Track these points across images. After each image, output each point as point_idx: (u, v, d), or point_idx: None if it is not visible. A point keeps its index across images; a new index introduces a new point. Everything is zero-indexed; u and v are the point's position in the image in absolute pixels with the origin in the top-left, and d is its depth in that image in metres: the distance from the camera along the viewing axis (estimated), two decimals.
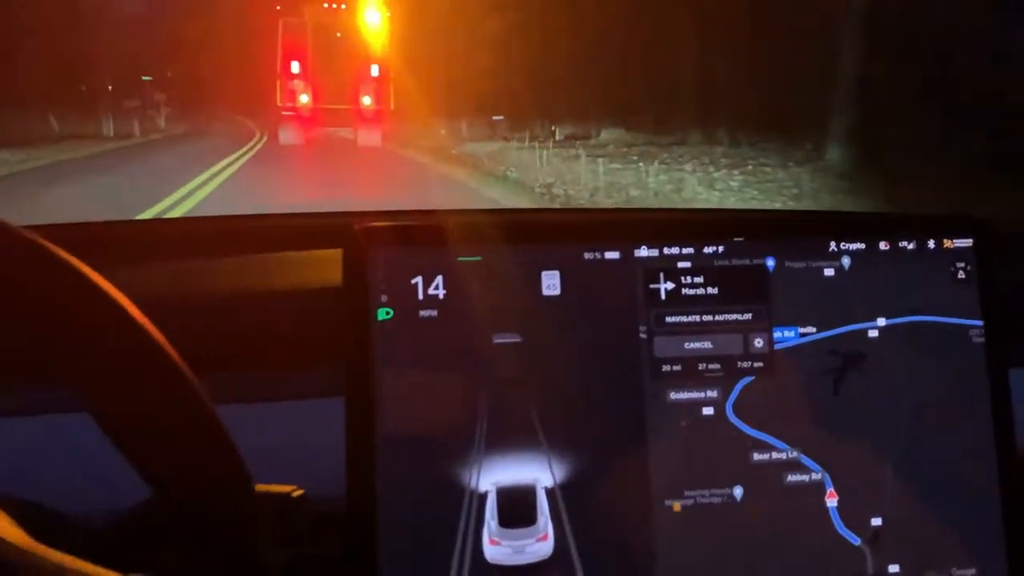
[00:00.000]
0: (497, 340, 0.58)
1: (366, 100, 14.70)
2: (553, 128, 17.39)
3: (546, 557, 0.56)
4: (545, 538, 0.56)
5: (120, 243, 0.79)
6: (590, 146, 12.41)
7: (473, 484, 0.56)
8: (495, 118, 21.87)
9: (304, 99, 14.53)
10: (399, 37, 16.23)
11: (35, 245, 0.42)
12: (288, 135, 14.46)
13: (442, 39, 20.84)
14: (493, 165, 10.06)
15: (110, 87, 18.14)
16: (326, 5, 15.58)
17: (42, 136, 13.27)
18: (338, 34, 15.71)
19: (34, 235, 0.42)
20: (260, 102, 15.83)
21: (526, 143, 14.00)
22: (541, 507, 0.57)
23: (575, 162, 9.25)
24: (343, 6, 15.66)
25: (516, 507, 0.56)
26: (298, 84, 14.66)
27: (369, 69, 15.13)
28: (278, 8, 15.51)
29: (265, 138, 16.03)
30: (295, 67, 14.83)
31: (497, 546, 0.56)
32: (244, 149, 12.74)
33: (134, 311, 0.43)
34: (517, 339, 0.58)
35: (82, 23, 16.58)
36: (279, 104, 14.71)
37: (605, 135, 15.14)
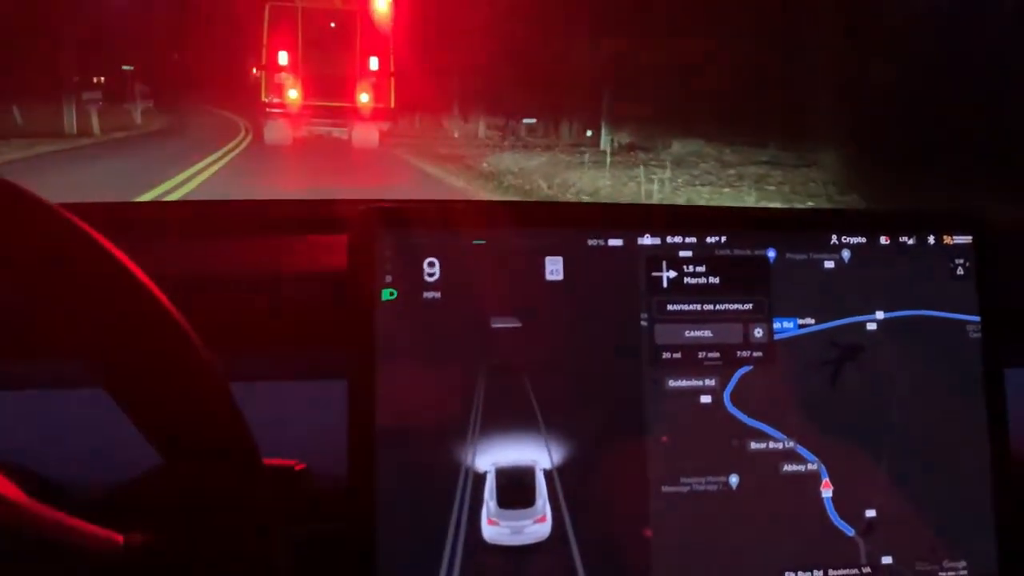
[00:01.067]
0: (496, 324, 0.69)
1: (363, 97, 14.76)
2: (612, 138, 17.28)
3: (544, 538, 0.67)
4: (543, 519, 0.67)
5: (128, 222, 0.92)
6: (659, 161, 12.30)
7: (470, 463, 0.67)
8: (526, 121, 21.91)
9: (293, 94, 14.55)
10: (403, 23, 16.21)
11: (54, 214, 0.50)
12: (274, 134, 14.44)
13: (456, 23, 21.11)
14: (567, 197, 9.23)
15: (76, 79, 18.72)
16: None
17: (3, 129, 13.97)
18: (332, 23, 15.51)
19: (53, 204, 0.50)
20: (249, 95, 15.91)
21: (575, 153, 13.84)
22: (540, 489, 0.68)
23: (691, 192, 8.96)
24: None
25: (515, 488, 0.67)
26: (286, 77, 14.65)
27: (368, 62, 15.10)
28: None
29: (249, 138, 16.33)
30: (283, 58, 14.80)
31: (495, 526, 0.66)
32: (221, 152, 12.88)
33: (145, 280, 0.52)
34: (516, 324, 0.69)
35: (48, 7, 17.25)
36: (264, 100, 14.62)
37: (678, 147, 14.91)
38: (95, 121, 17.29)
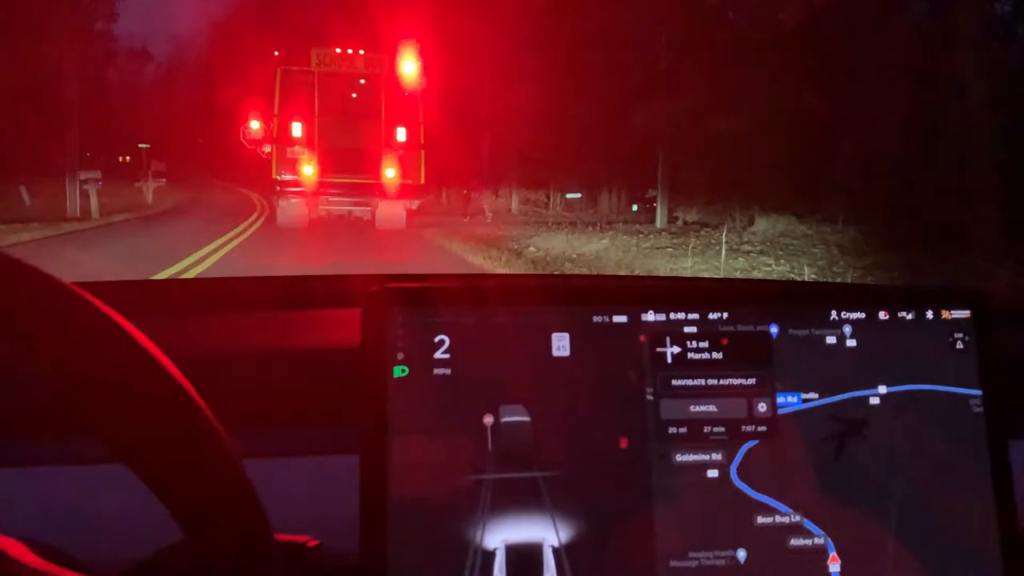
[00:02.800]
0: (506, 420, 0.81)
1: (389, 172, 14.82)
2: (677, 215, 17.13)
3: None
4: None
5: (136, 301, 1.08)
6: (742, 242, 11.94)
7: (480, 541, 0.79)
8: (569, 196, 22.13)
9: (308, 171, 14.65)
10: (433, 91, 16.39)
11: (72, 295, 0.59)
12: (288, 215, 14.62)
13: (491, 87, 21.61)
14: None
15: (88, 154, 19.88)
16: (338, 51, 15.69)
17: (9, 210, 14.81)
18: (353, 91, 15.70)
19: (70, 285, 0.59)
20: (266, 170, 15.82)
21: (638, 234, 13.38)
22: (548, 565, 0.80)
23: None
24: (361, 52, 15.78)
25: (523, 564, 0.79)
26: (300, 151, 14.85)
27: (394, 132, 15.24)
28: (276, 54, 15.88)
29: (262, 219, 16.81)
30: (296, 129, 15.01)
31: None
32: (223, 240, 13.02)
33: (163, 358, 0.62)
34: (526, 419, 0.81)
35: (59, 89, 18.54)
36: (275, 177, 14.79)
37: (764, 225, 14.50)
38: (94, 202, 18.10)
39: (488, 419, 0.81)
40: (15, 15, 17.68)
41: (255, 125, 16.17)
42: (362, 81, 15.75)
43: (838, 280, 8.69)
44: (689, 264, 9.83)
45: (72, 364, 0.59)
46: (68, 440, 0.89)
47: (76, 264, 10.06)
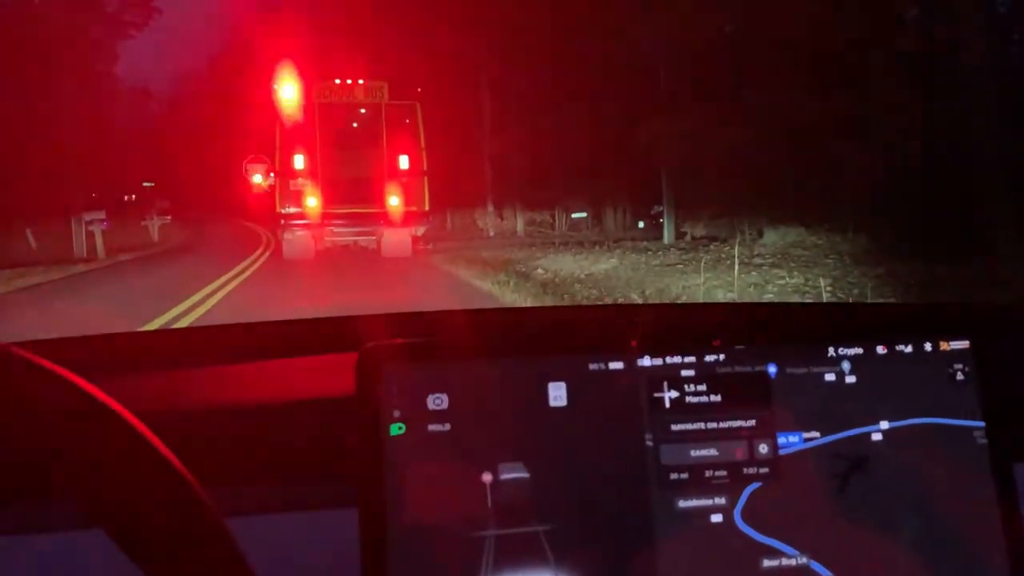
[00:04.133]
0: (505, 475, 0.81)
1: (393, 200, 14.88)
2: (685, 231, 17.07)
3: None
4: None
5: (127, 355, 1.08)
6: (753, 255, 11.81)
7: None
8: (575, 216, 22.20)
9: (312, 202, 14.71)
10: (433, 117, 16.47)
11: (36, 366, 0.59)
12: (293, 248, 14.64)
13: (493, 112, 21.73)
14: None
15: (93, 195, 20.15)
16: (337, 81, 15.84)
17: (16, 254, 14.99)
18: (354, 123, 15.78)
19: (36, 358, 0.59)
20: (269, 204, 16.07)
21: (645, 251, 13.20)
22: None
23: None
24: (360, 81, 15.90)
25: None
26: (304, 183, 14.89)
27: (397, 160, 15.29)
28: (275, 87, 15.74)
29: (267, 253, 16.86)
30: (298, 162, 15.06)
31: None
32: (233, 272, 13.16)
33: (137, 424, 0.61)
34: (525, 474, 0.81)
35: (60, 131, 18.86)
36: (279, 210, 14.83)
37: (774, 237, 14.38)
38: (99, 243, 18.24)
39: (487, 477, 0.81)
40: (18, 59, 17.93)
41: (257, 160, 16.29)
42: (362, 110, 15.87)
43: (855, 291, 8.64)
44: (701, 281, 9.77)
45: (40, 434, 0.60)
46: (49, 506, 0.89)
47: (81, 307, 10.05)
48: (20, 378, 0.59)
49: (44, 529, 0.93)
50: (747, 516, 0.82)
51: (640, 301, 8.98)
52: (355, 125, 15.82)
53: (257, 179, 16.23)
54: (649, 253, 13.84)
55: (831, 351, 0.86)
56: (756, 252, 12.83)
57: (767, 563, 0.82)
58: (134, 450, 0.62)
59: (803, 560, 0.82)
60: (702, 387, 0.85)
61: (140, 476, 0.62)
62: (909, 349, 0.86)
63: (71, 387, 0.61)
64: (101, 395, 0.61)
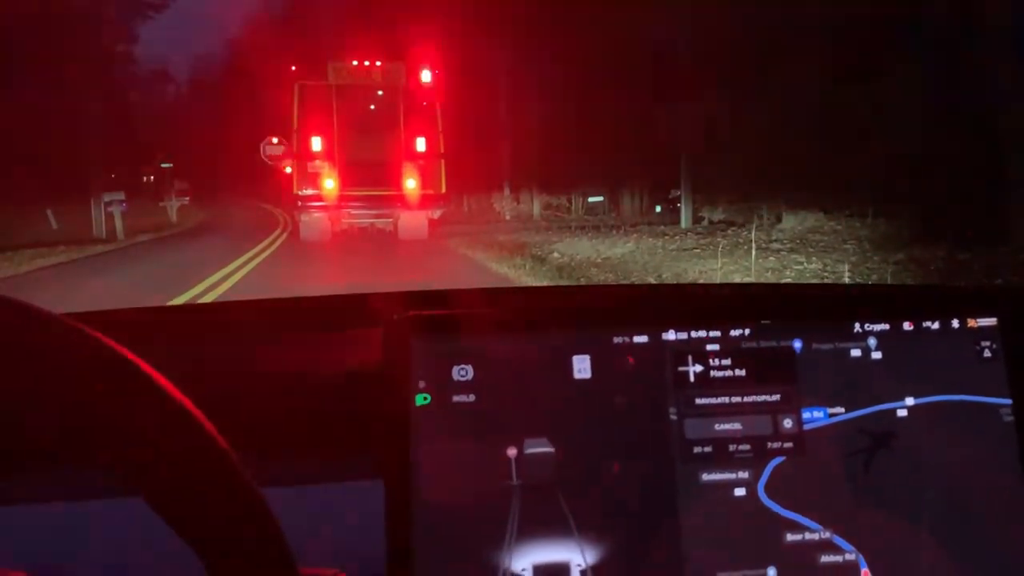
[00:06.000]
0: (529, 446, 0.81)
1: (410, 183, 14.90)
2: (703, 215, 17.05)
3: None
4: None
5: (158, 329, 1.09)
6: (771, 240, 11.77)
7: (507, 566, 0.80)
8: (591, 200, 22.17)
9: (329, 184, 14.74)
10: (451, 100, 16.44)
11: (79, 333, 0.59)
12: (310, 230, 14.71)
13: (511, 96, 21.68)
14: None
15: (112, 176, 20.28)
16: (355, 63, 15.81)
17: (37, 234, 15.14)
18: (371, 103, 15.76)
19: (76, 323, 0.60)
20: (287, 186, 15.93)
21: (662, 236, 13.19)
22: None
23: None
24: (378, 63, 15.86)
25: None
26: (321, 165, 14.94)
27: (414, 143, 15.31)
28: (293, 69, 15.88)
29: (285, 235, 16.92)
30: (316, 144, 15.13)
31: None
32: (251, 253, 13.21)
33: (176, 393, 0.62)
34: (549, 449, 0.81)
35: (80, 108, 18.99)
36: (296, 192, 14.88)
37: (792, 222, 14.30)
38: (119, 224, 18.35)
39: (511, 448, 0.81)
40: (37, 40, 18.04)
41: (275, 141, 16.34)
42: (380, 92, 15.84)
43: (874, 276, 8.58)
44: (718, 266, 9.74)
45: (82, 400, 0.60)
46: (84, 474, 0.90)
47: (103, 286, 10.13)
48: (57, 340, 0.60)
49: (87, 495, 0.94)
50: (771, 491, 0.83)
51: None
52: (372, 107, 15.82)
53: (274, 153, 16.24)
54: (666, 237, 13.78)
55: (857, 327, 0.86)
56: (774, 237, 12.76)
57: (790, 537, 0.82)
58: (173, 417, 0.62)
59: (826, 535, 0.82)
60: (727, 361, 0.85)
61: (180, 443, 0.62)
62: (936, 326, 0.86)
63: (110, 352, 0.61)
64: (136, 359, 0.62)
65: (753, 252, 9.86)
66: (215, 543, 0.65)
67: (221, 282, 9.85)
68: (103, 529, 0.94)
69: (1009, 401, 0.84)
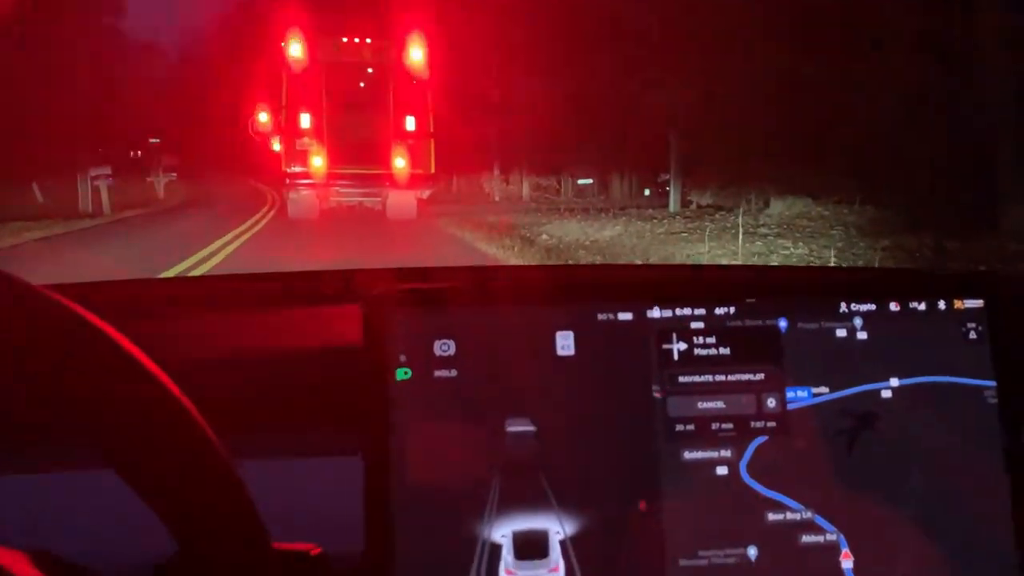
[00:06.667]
0: (511, 423, 0.81)
1: (399, 162, 14.78)
2: (691, 199, 17.10)
3: None
4: (556, 570, 0.78)
5: (139, 302, 1.08)
6: (758, 225, 11.83)
7: (487, 535, 0.79)
8: (580, 182, 22.16)
9: (318, 162, 14.63)
10: (440, 78, 16.36)
11: (55, 304, 0.59)
12: (298, 207, 14.62)
13: (498, 71, 21.59)
14: None
15: (99, 150, 20.07)
16: (344, 40, 15.66)
17: (23, 207, 15.01)
18: (361, 80, 15.64)
19: (53, 294, 0.59)
20: (276, 163, 15.86)
21: (651, 219, 13.29)
22: (553, 545, 0.79)
23: None
24: (367, 40, 15.72)
25: (530, 544, 0.79)
26: (309, 143, 14.80)
27: (403, 122, 15.16)
28: (283, 44, 15.60)
29: (273, 212, 16.89)
30: (305, 121, 14.97)
31: None
32: (239, 229, 13.16)
33: (152, 367, 0.61)
34: (531, 423, 0.81)
35: (65, 84, 18.81)
36: (285, 169, 14.78)
37: (780, 207, 14.39)
38: (105, 199, 18.23)
39: (493, 422, 0.81)
40: (21, 11, 17.83)
41: (263, 118, 16.25)
42: (369, 70, 15.72)
43: (860, 262, 8.62)
44: (705, 249, 9.78)
45: (57, 373, 0.59)
46: (57, 446, 0.89)
47: (87, 261, 10.10)
48: (24, 306, 0.59)
49: (57, 467, 0.93)
50: (753, 469, 0.82)
51: None
52: (362, 85, 15.69)
53: (262, 130, 16.15)
54: (654, 221, 13.81)
55: (843, 307, 0.85)
56: (762, 222, 12.81)
57: (771, 516, 0.81)
58: (145, 388, 0.62)
59: (807, 514, 0.82)
60: (711, 340, 0.84)
61: (150, 414, 0.62)
62: (922, 307, 0.85)
63: (79, 320, 0.60)
64: (112, 331, 0.61)
65: (740, 236, 9.90)
66: (186, 516, 0.64)
67: (209, 258, 9.81)
68: (75, 502, 0.93)
69: (993, 383, 0.84)
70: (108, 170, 18.65)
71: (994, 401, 0.84)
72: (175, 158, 27.28)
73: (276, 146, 15.81)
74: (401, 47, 15.51)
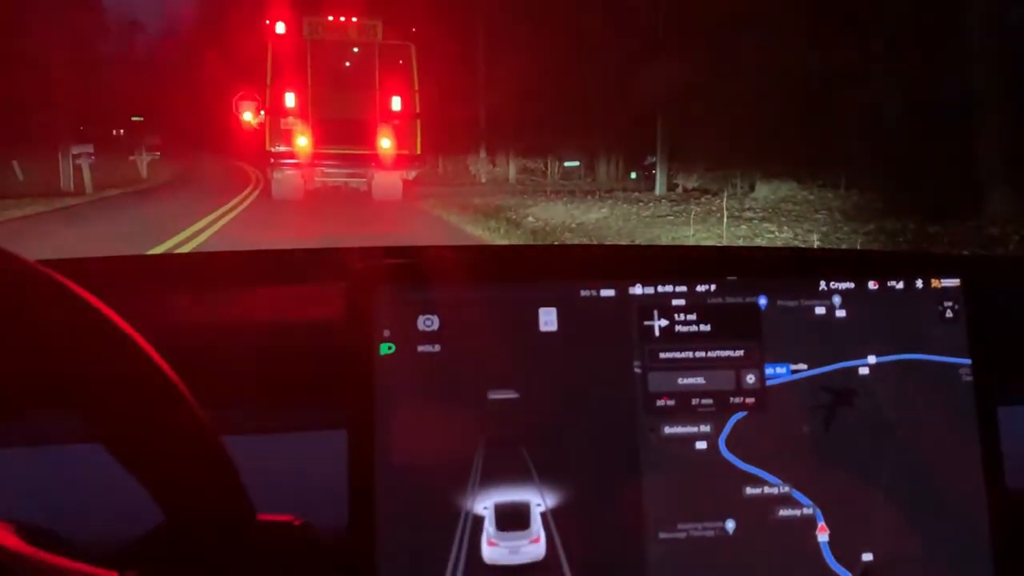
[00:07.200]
0: (493, 396, 0.82)
1: (385, 142, 14.75)
2: (677, 183, 17.10)
3: (539, 559, 0.80)
4: (537, 540, 0.80)
5: (125, 277, 1.08)
6: (744, 208, 11.85)
7: (469, 507, 0.80)
8: (567, 164, 22.11)
9: (302, 142, 14.56)
10: (427, 58, 16.27)
11: (44, 277, 0.60)
12: (282, 187, 14.56)
13: (487, 56, 21.52)
14: None
15: (81, 128, 19.86)
16: (330, 18, 15.54)
17: (3, 185, 14.88)
18: (347, 60, 15.54)
19: (43, 267, 0.60)
20: (260, 142, 15.74)
21: (637, 202, 13.30)
22: (534, 516, 0.81)
23: None
24: (354, 19, 15.59)
25: (511, 515, 0.80)
26: (294, 123, 14.75)
27: (389, 102, 15.13)
28: (267, 23, 15.56)
29: (258, 192, 16.81)
30: (290, 100, 14.89)
31: (495, 547, 0.79)
32: (223, 209, 13.11)
33: (140, 341, 0.63)
34: (514, 395, 0.82)
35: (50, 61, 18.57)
36: (269, 148, 14.75)
37: (765, 191, 14.42)
38: (87, 177, 18.08)
39: (476, 398, 0.82)
40: None
41: (247, 98, 16.14)
42: (355, 49, 15.63)
43: (844, 246, 8.68)
44: (691, 232, 9.82)
45: (46, 346, 0.60)
46: (44, 419, 0.90)
47: (69, 240, 10.05)
48: (13, 278, 0.59)
49: (45, 441, 0.93)
50: (731, 444, 0.83)
51: None
52: (348, 64, 15.59)
53: (247, 116, 16.07)
54: (640, 204, 13.83)
55: (822, 285, 0.86)
56: (747, 206, 12.86)
57: (750, 491, 0.83)
58: (132, 361, 0.62)
59: (785, 489, 0.83)
60: (692, 316, 0.85)
61: (138, 387, 0.62)
62: (900, 286, 0.87)
63: (68, 293, 0.61)
64: (100, 305, 0.61)
65: (725, 220, 9.95)
66: (172, 488, 0.66)
67: (192, 237, 9.77)
68: (58, 476, 0.93)
69: (968, 361, 0.85)
70: (90, 148, 18.49)
71: (969, 379, 0.85)
72: (158, 137, 27.09)
73: (258, 123, 15.68)
74: (388, 27, 15.42)
